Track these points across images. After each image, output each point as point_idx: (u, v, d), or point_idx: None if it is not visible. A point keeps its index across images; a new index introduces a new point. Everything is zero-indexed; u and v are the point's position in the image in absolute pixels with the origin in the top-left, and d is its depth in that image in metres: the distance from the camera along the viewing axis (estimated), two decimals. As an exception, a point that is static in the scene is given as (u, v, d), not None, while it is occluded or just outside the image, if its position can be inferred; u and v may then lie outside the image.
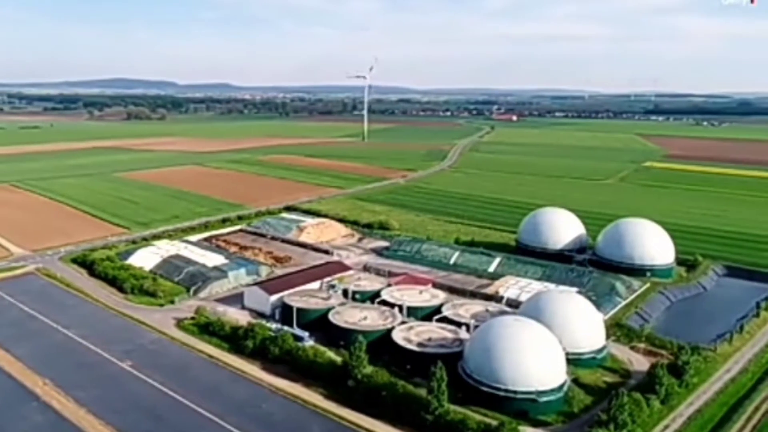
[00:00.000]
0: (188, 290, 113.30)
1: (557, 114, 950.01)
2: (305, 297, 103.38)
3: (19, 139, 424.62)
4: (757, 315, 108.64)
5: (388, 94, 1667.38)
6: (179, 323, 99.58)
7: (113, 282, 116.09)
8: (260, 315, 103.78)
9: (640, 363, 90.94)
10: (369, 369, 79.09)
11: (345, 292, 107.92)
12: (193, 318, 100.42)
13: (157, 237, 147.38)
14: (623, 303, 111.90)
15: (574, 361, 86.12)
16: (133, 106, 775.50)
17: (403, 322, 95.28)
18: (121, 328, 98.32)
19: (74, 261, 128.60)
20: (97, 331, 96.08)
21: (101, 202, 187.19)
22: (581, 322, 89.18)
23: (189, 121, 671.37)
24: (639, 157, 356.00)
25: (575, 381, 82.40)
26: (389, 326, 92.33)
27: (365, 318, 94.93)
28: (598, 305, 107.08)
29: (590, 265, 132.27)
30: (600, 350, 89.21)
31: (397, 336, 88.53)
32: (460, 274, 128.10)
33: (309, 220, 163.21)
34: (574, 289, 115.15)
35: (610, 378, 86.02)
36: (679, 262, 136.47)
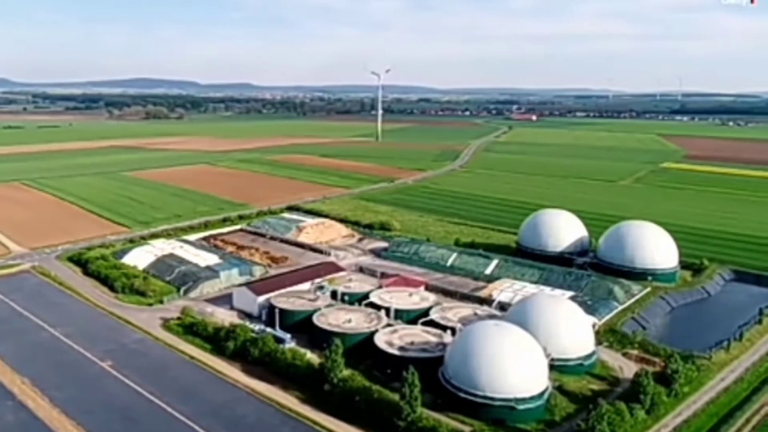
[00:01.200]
0: (178, 290, 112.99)
1: (578, 114, 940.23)
2: (292, 298, 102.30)
3: (37, 138, 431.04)
4: (760, 322, 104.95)
5: (409, 93, 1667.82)
6: (165, 323, 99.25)
7: (105, 281, 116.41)
8: (248, 316, 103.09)
9: (630, 370, 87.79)
10: (345, 373, 77.71)
11: (334, 294, 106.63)
12: (179, 318, 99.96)
13: (155, 236, 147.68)
14: (620, 308, 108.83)
15: (559, 367, 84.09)
16: (152, 105, 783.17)
17: (388, 325, 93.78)
18: (107, 328, 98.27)
19: (70, 259, 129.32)
20: (82, 330, 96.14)
21: (107, 201, 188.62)
22: (568, 327, 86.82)
23: (206, 121, 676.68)
24: (657, 157, 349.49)
25: (559, 388, 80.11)
26: (373, 329, 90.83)
27: (349, 320, 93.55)
28: (593, 310, 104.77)
29: (591, 269, 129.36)
30: (588, 356, 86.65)
31: (379, 339, 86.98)
32: (457, 277, 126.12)
33: (309, 221, 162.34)
34: (570, 293, 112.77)
35: (597, 386, 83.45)
36: (686, 266, 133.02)
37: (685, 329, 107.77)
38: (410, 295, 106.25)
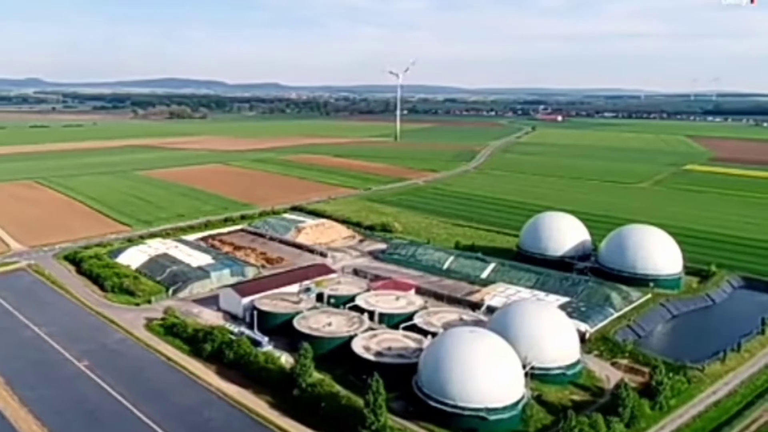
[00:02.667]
0: (167, 290, 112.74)
1: (606, 114, 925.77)
2: (276, 300, 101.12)
3: (59, 136, 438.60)
4: (762, 332, 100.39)
5: (436, 93, 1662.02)
6: (148, 324, 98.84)
7: (96, 280, 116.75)
8: (234, 317, 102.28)
9: (616, 381, 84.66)
10: (317, 378, 76.20)
11: (320, 296, 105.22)
12: (162, 319, 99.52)
13: (155, 235, 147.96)
14: (615, 315, 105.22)
15: (540, 376, 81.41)
16: (176, 105, 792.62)
17: (370, 329, 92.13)
18: (90, 327, 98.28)
19: (66, 258, 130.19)
20: (65, 329, 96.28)
21: (113, 200, 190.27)
22: (552, 335, 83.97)
23: (228, 121, 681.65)
24: (682, 159, 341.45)
25: (538, 398, 77.50)
26: (353, 333, 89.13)
27: (329, 324, 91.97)
28: (586, 317, 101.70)
29: (592, 274, 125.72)
30: (572, 366, 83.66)
31: (357, 344, 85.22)
32: (452, 280, 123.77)
33: (309, 221, 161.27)
34: (566, 298, 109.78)
35: (579, 396, 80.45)
36: (693, 272, 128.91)
37: (683, 338, 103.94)
38: (397, 298, 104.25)
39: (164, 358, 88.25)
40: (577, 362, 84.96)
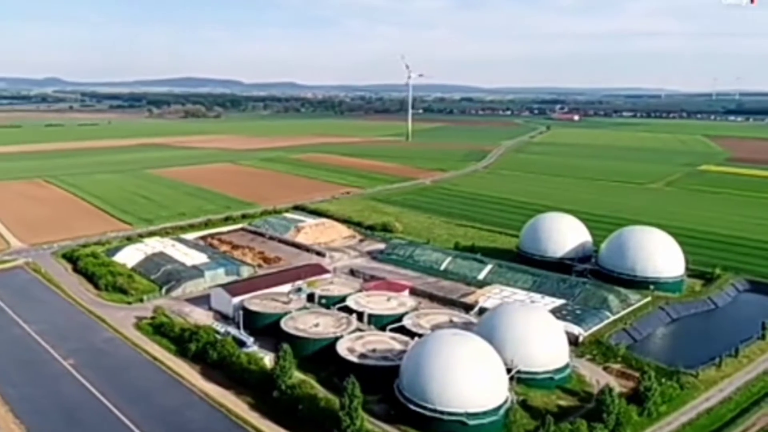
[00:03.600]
0: (160, 289, 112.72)
1: (625, 114, 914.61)
2: (265, 300, 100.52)
3: (73, 135, 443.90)
4: (763, 337, 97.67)
5: (452, 92, 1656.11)
6: (137, 323, 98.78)
7: (91, 278, 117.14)
8: (224, 317, 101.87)
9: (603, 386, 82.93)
10: (298, 379, 75.37)
11: (311, 297, 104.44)
12: (152, 318, 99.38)
13: (154, 234, 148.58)
14: (612, 318, 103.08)
15: (527, 380, 79.86)
16: (191, 104, 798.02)
17: (358, 330, 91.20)
18: (80, 325, 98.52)
19: (63, 256, 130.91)
20: (55, 328, 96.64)
21: (117, 198, 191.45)
22: (539, 338, 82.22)
23: (242, 120, 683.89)
24: (697, 159, 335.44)
25: (523, 403, 75.93)
26: (339, 334, 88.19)
27: (316, 325, 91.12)
28: (581, 320, 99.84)
29: (591, 276, 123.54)
30: (560, 370, 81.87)
31: (341, 345, 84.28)
32: (449, 281, 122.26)
33: (309, 221, 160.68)
34: (562, 301, 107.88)
35: (566, 401, 78.73)
36: (697, 274, 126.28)
37: (681, 343, 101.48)
38: (388, 299, 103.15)
39: (150, 357, 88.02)
40: (566, 366, 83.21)
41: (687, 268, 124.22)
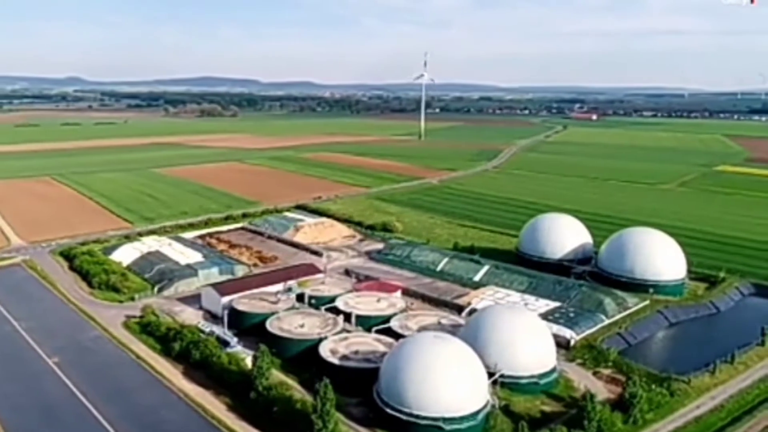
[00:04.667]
0: (153, 287, 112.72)
1: (645, 113, 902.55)
2: (254, 300, 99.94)
3: (89, 134, 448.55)
4: (762, 343, 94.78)
5: (470, 92, 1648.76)
6: (126, 321, 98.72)
7: (85, 276, 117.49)
8: (214, 316, 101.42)
9: (597, 391, 79.93)
10: (273, 381, 74.52)
11: (301, 297, 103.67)
12: (141, 317, 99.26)
13: (153, 232, 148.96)
14: (606, 322, 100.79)
15: (511, 385, 78.24)
16: (207, 103, 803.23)
17: (345, 331, 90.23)
18: (69, 323, 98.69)
19: (61, 254, 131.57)
20: (44, 325, 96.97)
21: (122, 197, 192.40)
22: (525, 341, 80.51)
23: (257, 119, 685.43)
24: (714, 159, 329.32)
25: (505, 408, 74.30)
26: (324, 335, 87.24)
27: (302, 325, 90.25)
28: (574, 323, 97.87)
29: (590, 278, 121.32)
30: (546, 374, 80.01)
31: (324, 347, 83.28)
32: (445, 282, 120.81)
33: (308, 220, 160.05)
34: (557, 303, 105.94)
35: (550, 407, 76.85)
36: (701, 277, 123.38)
37: (677, 348, 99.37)
38: (378, 300, 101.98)
39: (134, 356, 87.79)
40: (553, 371, 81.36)
41: (689, 271, 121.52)
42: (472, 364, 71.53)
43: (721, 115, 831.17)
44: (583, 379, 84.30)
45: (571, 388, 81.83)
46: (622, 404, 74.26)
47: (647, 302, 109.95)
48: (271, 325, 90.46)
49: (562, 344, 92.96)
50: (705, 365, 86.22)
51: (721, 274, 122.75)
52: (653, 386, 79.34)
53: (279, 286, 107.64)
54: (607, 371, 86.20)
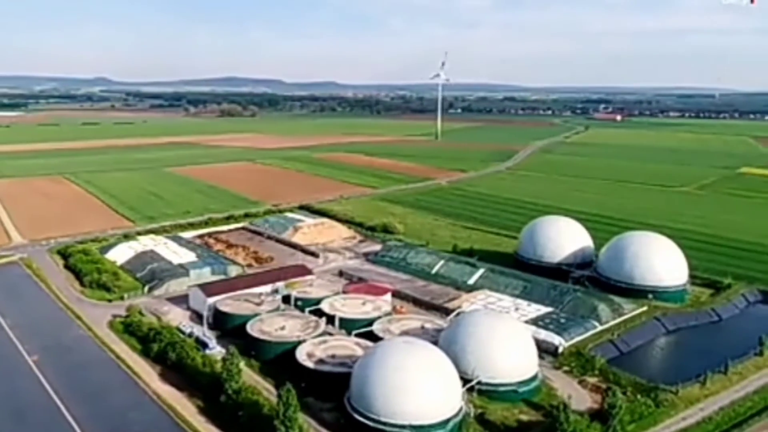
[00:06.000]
0: (143, 287, 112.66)
1: (672, 113, 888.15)
2: (238, 301, 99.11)
3: (107, 133, 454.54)
4: (761, 353, 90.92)
5: (495, 92, 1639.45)
6: (112, 321, 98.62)
7: (78, 275, 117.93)
8: (200, 317, 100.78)
9: (580, 400, 78.33)
10: (242, 384, 73.33)
11: (287, 299, 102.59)
12: (127, 316, 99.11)
13: (154, 232, 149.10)
14: (599, 328, 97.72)
15: (489, 392, 76.07)
16: (228, 103, 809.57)
17: (327, 334, 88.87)
18: (55, 322, 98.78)
19: (58, 252, 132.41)
20: (30, 323, 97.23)
21: (129, 196, 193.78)
22: (504, 348, 78.25)
23: (276, 119, 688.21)
24: (738, 161, 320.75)
25: (480, 416, 72.19)
26: (303, 338, 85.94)
27: (282, 328, 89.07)
28: (564, 329, 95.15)
29: (589, 283, 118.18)
30: (526, 382, 77.63)
31: (301, 350, 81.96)
32: (439, 285, 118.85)
33: (308, 221, 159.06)
34: (549, 308, 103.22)
35: (528, 416, 74.46)
36: (708, 283, 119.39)
37: (671, 357, 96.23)
38: (363, 303, 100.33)
39: (114, 356, 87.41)
40: (534, 378, 78.94)
41: (692, 276, 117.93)
42: (443, 370, 69.58)
43: (752, 116, 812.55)
44: (567, 388, 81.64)
45: (554, 396, 79.10)
46: (604, 414, 71.71)
47: (644, 308, 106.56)
48: (252, 327, 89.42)
49: (550, 351, 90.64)
50: (696, 375, 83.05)
51: (726, 280, 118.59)
52: (638, 396, 76.82)
53: (267, 288, 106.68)
54: (592, 380, 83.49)
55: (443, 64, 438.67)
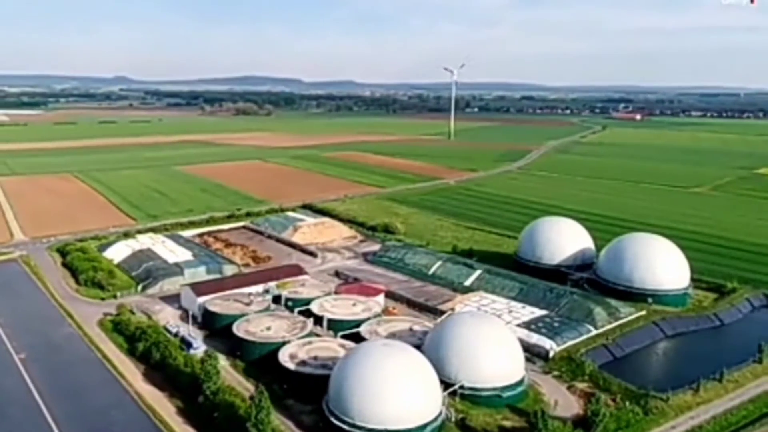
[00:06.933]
0: (137, 285, 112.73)
1: (694, 113, 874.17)
2: (228, 301, 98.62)
3: (122, 132, 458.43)
4: (759, 361, 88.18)
5: (514, 91, 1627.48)
6: (102, 319, 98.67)
7: (74, 273, 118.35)
8: (192, 316, 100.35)
9: (567, 407, 76.56)
10: (219, 385, 72.66)
11: (277, 299, 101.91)
12: (118, 314, 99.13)
13: (154, 230, 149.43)
14: (594, 332, 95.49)
15: (472, 397, 74.54)
16: (243, 102, 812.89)
17: (315, 335, 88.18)
18: (46, 320, 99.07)
19: (57, 250, 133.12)
20: (22, 320, 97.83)
21: (134, 194, 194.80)
22: (489, 352, 76.61)
23: (291, 118, 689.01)
24: (758, 162, 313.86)
25: (462, 422, 70.73)
26: (287, 339, 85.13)
27: (268, 328, 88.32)
28: (556, 333, 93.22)
29: (588, 286, 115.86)
30: (510, 387, 75.84)
31: (284, 351, 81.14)
32: (435, 286, 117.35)
33: (309, 220, 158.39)
34: (544, 311, 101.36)
35: (512, 422, 72.80)
36: (712, 287, 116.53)
37: (667, 363, 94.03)
38: (354, 304, 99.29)
39: (100, 355, 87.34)
40: (520, 383, 77.17)
41: (696, 280, 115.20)
42: (422, 374, 68.26)
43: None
44: (555, 393, 79.88)
45: (540, 402, 77.43)
46: (588, 422, 69.88)
47: (643, 312, 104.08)
48: (238, 328, 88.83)
49: (541, 355, 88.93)
50: (690, 382, 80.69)
51: (732, 284, 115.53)
52: (627, 403, 74.82)
53: (259, 287, 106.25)
54: (582, 385, 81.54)
55: (461, 66, 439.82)
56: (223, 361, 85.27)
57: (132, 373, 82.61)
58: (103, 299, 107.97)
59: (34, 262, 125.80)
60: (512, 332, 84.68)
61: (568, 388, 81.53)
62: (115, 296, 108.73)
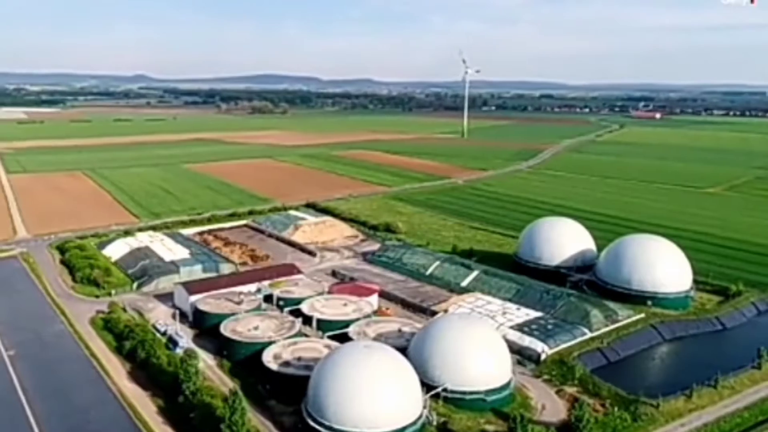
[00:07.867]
0: (133, 283, 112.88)
1: (716, 112, 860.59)
2: (219, 300, 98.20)
3: (136, 130, 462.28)
4: (758, 366, 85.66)
5: (533, 89, 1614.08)
6: (94, 317, 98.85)
7: (71, 270, 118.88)
8: (184, 315, 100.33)
9: (553, 412, 74.93)
10: (198, 384, 72.15)
11: (269, 298, 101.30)
12: (109, 312, 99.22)
13: (155, 228, 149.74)
14: (589, 335, 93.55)
15: (455, 400, 73.20)
16: (259, 100, 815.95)
17: (304, 335, 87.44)
18: (39, 317, 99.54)
19: (57, 247, 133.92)
20: (15, 317, 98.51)
21: (139, 191, 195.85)
22: (474, 354, 75.24)
23: (306, 116, 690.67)
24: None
25: (443, 425, 69.43)
26: (273, 339, 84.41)
27: (256, 328, 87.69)
28: (549, 335, 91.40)
29: (588, 287, 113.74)
30: (495, 391, 74.29)
31: (268, 352, 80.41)
32: (432, 286, 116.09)
33: (311, 219, 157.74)
34: (539, 313, 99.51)
35: (494, 426, 71.30)
36: (717, 290, 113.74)
37: (664, 367, 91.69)
38: (345, 304, 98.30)
39: (88, 353, 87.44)
40: (506, 387, 75.63)
41: (700, 282, 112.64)
42: (402, 376, 67.13)
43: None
44: (544, 398, 78.27)
45: (527, 406, 75.86)
46: (573, 427, 68.21)
47: (641, 315, 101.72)
48: (225, 327, 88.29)
49: (532, 358, 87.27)
50: (683, 388, 78.51)
51: (736, 287, 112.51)
52: (615, 409, 72.96)
53: (252, 286, 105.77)
54: (571, 389, 79.74)
55: (477, 71, 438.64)
56: (210, 361, 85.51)
57: (117, 371, 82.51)
58: (97, 297, 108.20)
59: (33, 259, 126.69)
60: (501, 335, 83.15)
61: (557, 392, 79.82)
62: (109, 294, 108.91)
